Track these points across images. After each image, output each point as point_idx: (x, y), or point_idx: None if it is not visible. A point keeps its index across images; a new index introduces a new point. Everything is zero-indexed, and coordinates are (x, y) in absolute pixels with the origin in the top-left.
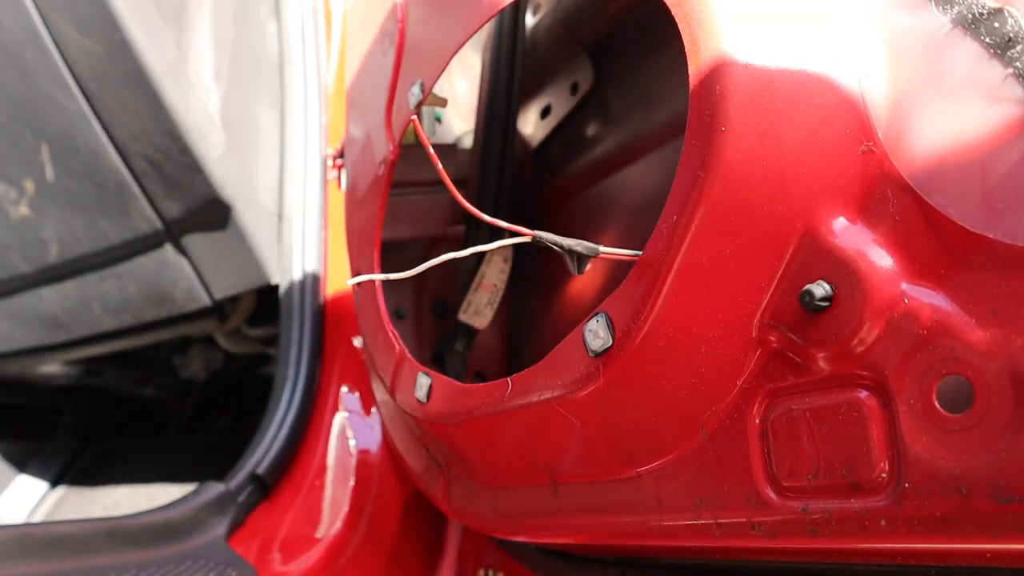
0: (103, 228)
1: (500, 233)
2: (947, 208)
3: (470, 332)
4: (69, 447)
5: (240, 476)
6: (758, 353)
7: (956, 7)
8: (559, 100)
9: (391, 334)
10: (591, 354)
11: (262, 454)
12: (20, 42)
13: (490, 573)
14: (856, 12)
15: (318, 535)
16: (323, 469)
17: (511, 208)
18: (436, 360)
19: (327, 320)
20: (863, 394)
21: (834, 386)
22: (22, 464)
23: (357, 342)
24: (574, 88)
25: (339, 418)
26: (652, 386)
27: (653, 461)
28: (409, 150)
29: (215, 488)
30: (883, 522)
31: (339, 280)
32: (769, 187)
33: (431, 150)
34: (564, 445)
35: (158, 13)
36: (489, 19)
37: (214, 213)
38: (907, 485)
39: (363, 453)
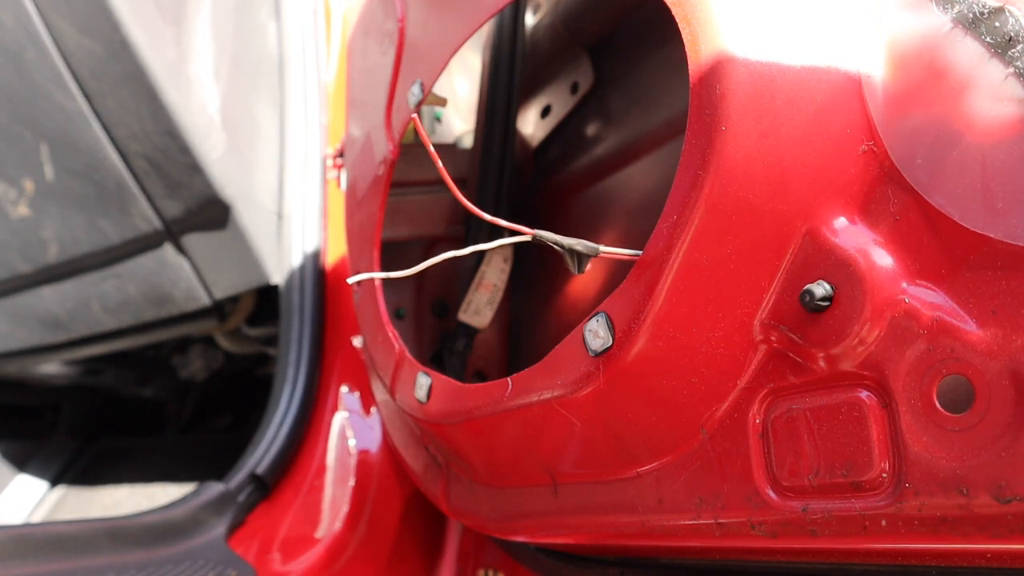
0: (103, 228)
1: (500, 232)
2: (947, 208)
3: (470, 332)
4: (69, 447)
5: (240, 476)
6: (758, 353)
7: (957, 6)
8: (559, 100)
9: (391, 334)
10: (591, 354)
11: (262, 454)
12: (20, 42)
13: (490, 573)
14: (856, 11)
15: (318, 535)
16: (323, 469)
17: (511, 207)
18: (436, 360)
19: (327, 320)
20: (864, 394)
21: (834, 386)
22: (22, 464)
23: (357, 342)
24: (574, 88)
25: (339, 418)
26: (652, 386)
27: (653, 461)
28: (409, 149)
29: (215, 488)
30: (883, 522)
31: (339, 280)
32: (769, 186)
33: (431, 149)
34: (564, 445)
35: (158, 13)
36: (489, 19)
37: (214, 213)
38: (907, 485)
39: (363, 453)
